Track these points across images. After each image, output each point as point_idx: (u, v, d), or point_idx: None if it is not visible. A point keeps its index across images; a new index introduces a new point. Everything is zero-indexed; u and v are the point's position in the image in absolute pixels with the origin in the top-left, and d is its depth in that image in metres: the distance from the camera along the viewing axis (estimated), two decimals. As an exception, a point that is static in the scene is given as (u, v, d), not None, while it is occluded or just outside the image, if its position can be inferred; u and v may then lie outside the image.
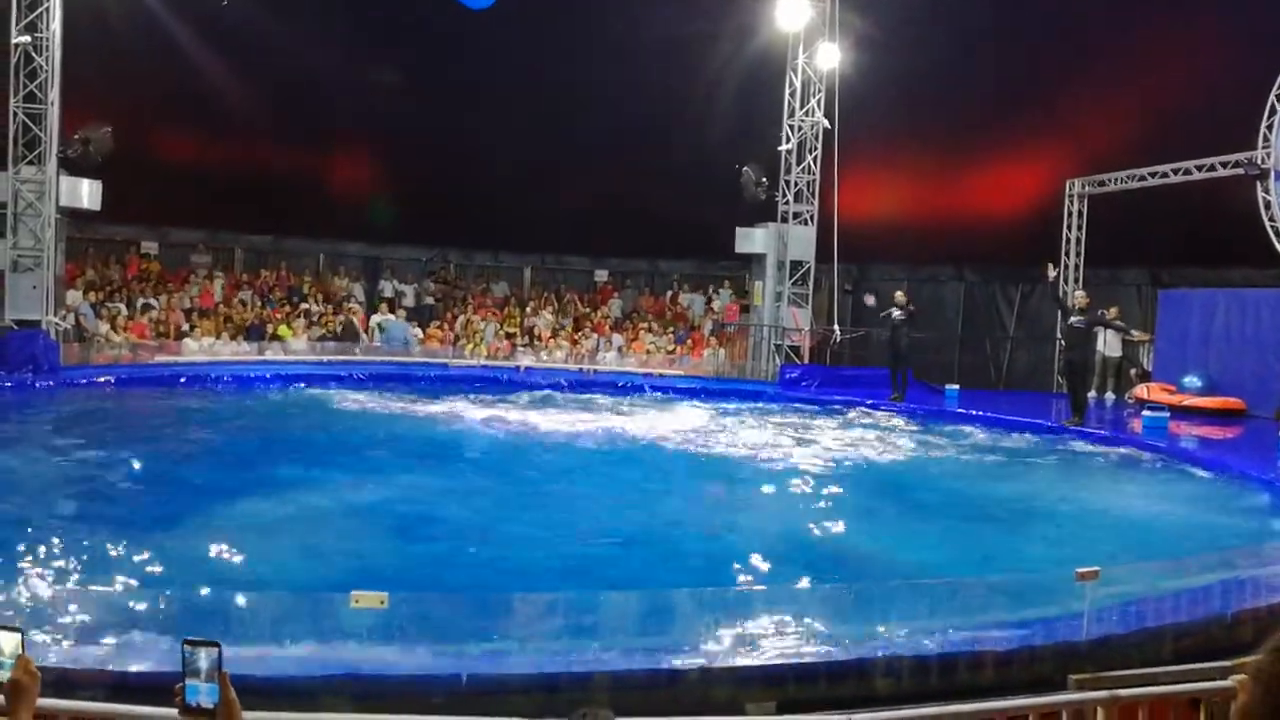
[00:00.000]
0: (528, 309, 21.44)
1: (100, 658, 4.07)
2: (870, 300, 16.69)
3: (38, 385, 14.07)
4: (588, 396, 16.14)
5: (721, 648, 4.62)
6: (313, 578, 5.99)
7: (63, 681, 3.51)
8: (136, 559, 6.03)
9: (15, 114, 14.88)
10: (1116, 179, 18.20)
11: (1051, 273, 15.19)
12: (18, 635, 2.39)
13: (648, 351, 19.98)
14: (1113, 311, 17.58)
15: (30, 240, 15.13)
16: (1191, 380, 15.83)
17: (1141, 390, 16.47)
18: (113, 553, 6.14)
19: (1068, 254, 19.22)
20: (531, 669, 4.12)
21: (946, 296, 21.48)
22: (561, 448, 11.29)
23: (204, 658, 2.29)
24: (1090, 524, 8.29)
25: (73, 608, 4.71)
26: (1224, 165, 15.92)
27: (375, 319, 19.86)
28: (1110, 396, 17.58)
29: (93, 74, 16.02)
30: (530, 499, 8.50)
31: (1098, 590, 4.74)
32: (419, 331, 19.81)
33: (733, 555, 6.74)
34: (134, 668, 3.98)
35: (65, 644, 4.25)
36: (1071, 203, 19.28)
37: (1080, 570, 4.67)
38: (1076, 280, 18.91)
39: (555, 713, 3.34)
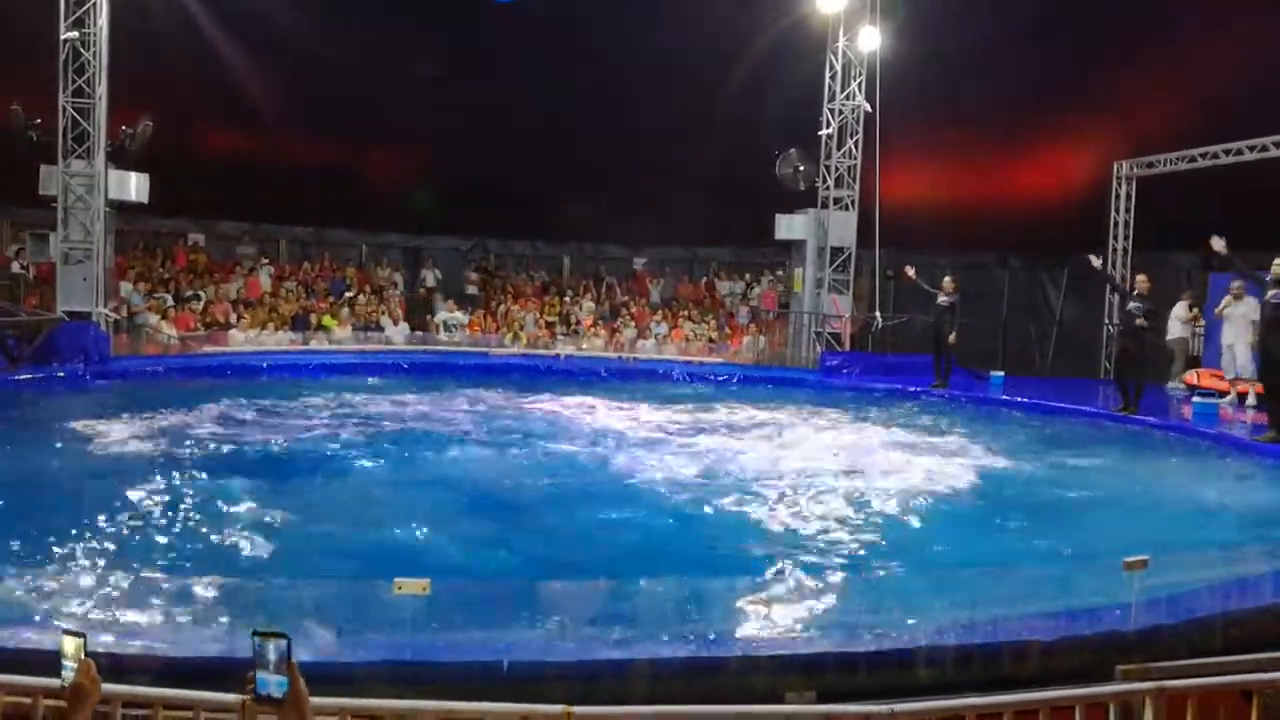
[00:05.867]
0: (567, 297, 21.48)
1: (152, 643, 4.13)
2: (911, 270, 16.36)
3: (90, 375, 14.29)
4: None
5: (762, 635, 4.61)
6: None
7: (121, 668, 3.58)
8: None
9: (64, 109, 15.15)
10: (1166, 160, 17.82)
11: (1095, 261, 14.77)
12: (81, 639, 2.45)
13: (686, 340, 19.95)
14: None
15: (80, 233, 15.42)
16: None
17: (1191, 376, 16.15)
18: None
19: (1115, 238, 18.88)
20: (570, 657, 4.13)
21: (991, 282, 21.20)
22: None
23: (273, 649, 2.34)
24: (1144, 511, 8.15)
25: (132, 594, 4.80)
26: (1278, 145, 15.54)
27: (441, 315, 19.89)
28: (1173, 385, 17.16)
29: (139, 69, 16.25)
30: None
31: (1145, 579, 4.66)
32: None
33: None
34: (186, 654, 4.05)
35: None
36: (1119, 185, 18.92)
37: (1127, 559, 4.59)
38: (1124, 265, 18.57)
39: (594, 700, 3.34)
